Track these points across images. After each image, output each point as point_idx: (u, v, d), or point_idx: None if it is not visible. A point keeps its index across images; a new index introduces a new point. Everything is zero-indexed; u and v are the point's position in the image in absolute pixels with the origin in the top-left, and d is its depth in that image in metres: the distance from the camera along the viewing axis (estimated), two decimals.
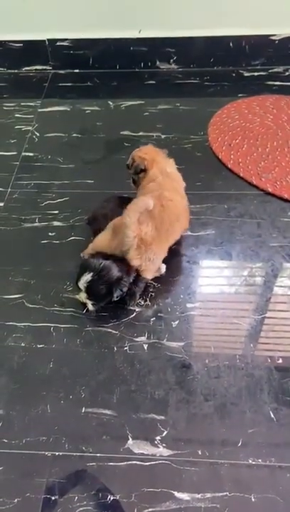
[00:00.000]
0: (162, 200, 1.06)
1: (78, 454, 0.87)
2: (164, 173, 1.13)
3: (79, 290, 1.05)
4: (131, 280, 1.05)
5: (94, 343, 1.04)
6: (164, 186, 1.10)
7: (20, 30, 1.82)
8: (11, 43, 1.85)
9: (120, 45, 1.82)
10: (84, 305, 1.08)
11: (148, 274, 1.10)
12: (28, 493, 0.83)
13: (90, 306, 1.06)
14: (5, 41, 1.84)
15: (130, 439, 0.89)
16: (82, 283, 1.02)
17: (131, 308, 1.10)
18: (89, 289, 1.03)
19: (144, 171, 1.15)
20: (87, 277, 1.02)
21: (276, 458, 0.86)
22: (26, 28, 1.81)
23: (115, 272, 1.02)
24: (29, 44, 1.85)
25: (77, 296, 1.07)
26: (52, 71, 1.92)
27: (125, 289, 1.04)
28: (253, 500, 0.81)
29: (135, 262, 1.04)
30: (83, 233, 1.28)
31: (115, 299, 1.03)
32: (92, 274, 1.01)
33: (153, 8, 1.74)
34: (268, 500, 0.81)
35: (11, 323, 1.09)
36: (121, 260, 1.03)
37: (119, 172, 1.47)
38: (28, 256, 1.23)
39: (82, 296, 1.06)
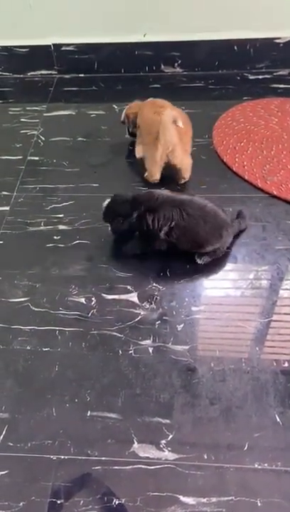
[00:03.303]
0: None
1: (83, 457, 0.87)
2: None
3: None
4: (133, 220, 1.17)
5: (99, 346, 1.04)
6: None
7: (26, 36, 1.83)
8: (16, 48, 1.86)
9: (125, 50, 1.83)
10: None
11: (187, 170, 1.39)
12: (33, 497, 0.83)
13: (109, 228, 1.23)
14: (11, 46, 1.86)
15: (135, 442, 0.89)
16: (104, 204, 1.21)
17: (136, 311, 1.10)
18: (104, 211, 1.21)
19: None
20: (107, 201, 1.20)
21: (283, 462, 0.85)
22: (32, 34, 1.83)
23: (122, 207, 1.17)
24: (34, 49, 1.86)
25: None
26: (58, 76, 1.93)
27: (121, 227, 1.18)
28: (259, 504, 0.81)
29: (159, 151, 1.30)
30: (88, 236, 1.28)
31: (110, 232, 1.22)
32: (110, 200, 1.20)
33: (157, 12, 1.75)
34: (274, 504, 0.81)
35: (16, 326, 1.09)
36: (134, 207, 1.16)
37: (125, 175, 1.48)
38: (33, 259, 1.24)
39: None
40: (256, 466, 0.85)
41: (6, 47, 1.86)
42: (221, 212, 1.15)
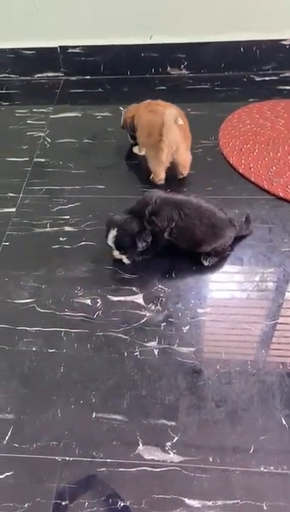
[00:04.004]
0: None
1: (88, 459, 0.87)
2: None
3: (112, 249, 1.16)
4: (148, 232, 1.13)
5: (104, 348, 1.04)
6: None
7: (33, 38, 1.85)
8: (23, 51, 1.87)
9: (131, 52, 1.83)
10: (121, 261, 1.19)
11: (187, 168, 1.40)
12: (38, 498, 0.83)
13: (125, 260, 1.18)
14: (18, 49, 1.87)
15: (140, 444, 0.89)
16: (110, 239, 1.14)
17: (142, 312, 1.10)
18: (117, 243, 1.14)
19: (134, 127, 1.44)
20: (113, 233, 1.13)
21: (289, 465, 0.85)
22: (38, 36, 1.84)
23: (135, 225, 1.12)
24: (41, 51, 1.87)
25: (113, 255, 1.18)
26: (64, 78, 1.94)
27: (148, 240, 1.13)
28: (265, 508, 0.80)
29: (164, 152, 1.30)
30: (94, 238, 1.28)
31: (141, 249, 1.13)
32: (116, 229, 1.12)
33: (164, 14, 1.75)
34: (280, 508, 0.80)
35: (22, 327, 1.09)
36: (140, 217, 1.13)
37: (131, 177, 1.49)
38: (39, 261, 1.24)
39: (115, 254, 1.18)
40: (262, 469, 0.85)
41: (13, 49, 1.87)
42: (218, 211, 1.15)
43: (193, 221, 1.12)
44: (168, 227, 1.12)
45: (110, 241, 1.14)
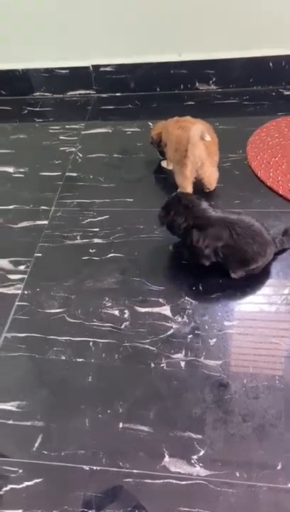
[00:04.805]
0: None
1: (115, 469, 0.88)
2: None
3: None
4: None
5: (131, 358, 1.05)
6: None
7: (67, 58, 1.92)
8: (57, 70, 1.95)
9: (161, 69, 1.88)
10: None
11: (212, 184, 1.43)
12: (65, 506, 0.84)
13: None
14: (52, 68, 1.95)
15: (166, 456, 0.89)
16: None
17: (169, 324, 1.11)
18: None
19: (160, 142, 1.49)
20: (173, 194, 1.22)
21: None
22: (72, 56, 1.91)
23: (173, 207, 1.17)
24: (74, 70, 1.94)
25: None
26: (96, 95, 2.01)
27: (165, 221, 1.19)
28: None
29: (188, 168, 1.32)
30: (122, 250, 1.31)
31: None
32: (173, 195, 1.22)
33: (192, 32, 1.79)
34: None
35: (52, 336, 1.12)
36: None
37: (158, 190, 1.51)
38: (69, 272, 1.27)
39: None
40: (289, 486, 0.83)
41: (47, 69, 1.95)
42: (265, 230, 1.15)
43: (246, 240, 1.11)
44: (211, 245, 1.13)
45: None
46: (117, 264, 1.28)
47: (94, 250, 1.33)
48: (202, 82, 1.90)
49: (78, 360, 1.07)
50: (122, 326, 1.12)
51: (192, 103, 1.87)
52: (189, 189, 1.39)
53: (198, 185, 1.41)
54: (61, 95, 2.04)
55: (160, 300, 1.17)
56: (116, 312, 1.16)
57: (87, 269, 1.28)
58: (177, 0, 1.71)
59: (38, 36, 1.88)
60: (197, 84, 1.91)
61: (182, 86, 1.92)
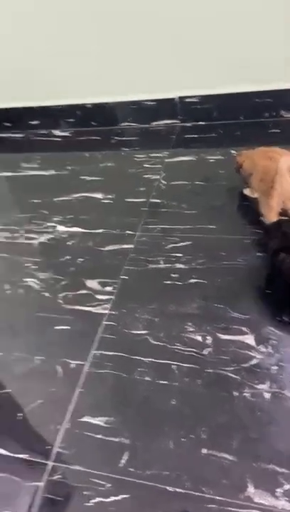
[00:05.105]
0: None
1: (198, 493, 0.90)
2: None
3: None
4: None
5: (214, 385, 1.07)
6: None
7: (153, 91, 2.03)
8: (145, 102, 2.07)
9: (245, 98, 1.92)
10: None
11: None
12: None
13: None
14: (140, 101, 2.07)
15: (249, 486, 0.89)
16: None
17: (252, 353, 1.12)
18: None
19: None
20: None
21: None
22: (158, 88, 2.02)
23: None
24: (160, 102, 2.05)
25: None
26: (180, 124, 2.09)
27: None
28: None
29: (275, 199, 1.32)
30: (204, 276, 1.34)
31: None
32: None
33: (278, 61, 1.81)
34: None
35: (136, 357, 1.17)
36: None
37: (241, 218, 1.53)
38: (152, 295, 1.33)
39: None
40: None
41: (135, 101, 2.08)
42: None
43: None
44: None
45: None
46: (199, 290, 1.31)
47: (176, 275, 1.37)
48: (287, 110, 1.91)
49: (161, 382, 1.10)
50: (205, 352, 1.14)
51: (278, 131, 1.88)
52: (273, 219, 1.39)
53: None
54: (146, 125, 2.15)
55: (243, 328, 1.18)
56: (199, 338, 1.18)
57: (170, 293, 1.32)
58: (257, 32, 1.75)
59: (126, 72, 2.02)
60: (282, 112, 1.92)
61: (267, 114, 1.94)
